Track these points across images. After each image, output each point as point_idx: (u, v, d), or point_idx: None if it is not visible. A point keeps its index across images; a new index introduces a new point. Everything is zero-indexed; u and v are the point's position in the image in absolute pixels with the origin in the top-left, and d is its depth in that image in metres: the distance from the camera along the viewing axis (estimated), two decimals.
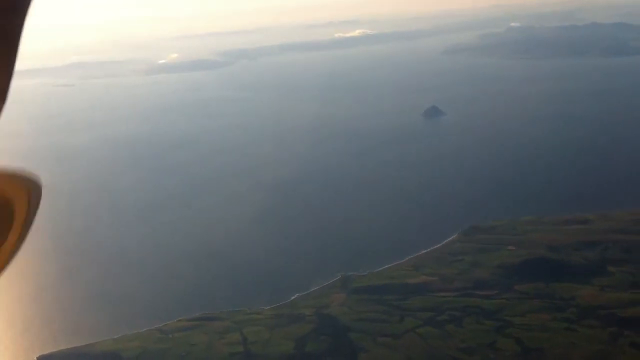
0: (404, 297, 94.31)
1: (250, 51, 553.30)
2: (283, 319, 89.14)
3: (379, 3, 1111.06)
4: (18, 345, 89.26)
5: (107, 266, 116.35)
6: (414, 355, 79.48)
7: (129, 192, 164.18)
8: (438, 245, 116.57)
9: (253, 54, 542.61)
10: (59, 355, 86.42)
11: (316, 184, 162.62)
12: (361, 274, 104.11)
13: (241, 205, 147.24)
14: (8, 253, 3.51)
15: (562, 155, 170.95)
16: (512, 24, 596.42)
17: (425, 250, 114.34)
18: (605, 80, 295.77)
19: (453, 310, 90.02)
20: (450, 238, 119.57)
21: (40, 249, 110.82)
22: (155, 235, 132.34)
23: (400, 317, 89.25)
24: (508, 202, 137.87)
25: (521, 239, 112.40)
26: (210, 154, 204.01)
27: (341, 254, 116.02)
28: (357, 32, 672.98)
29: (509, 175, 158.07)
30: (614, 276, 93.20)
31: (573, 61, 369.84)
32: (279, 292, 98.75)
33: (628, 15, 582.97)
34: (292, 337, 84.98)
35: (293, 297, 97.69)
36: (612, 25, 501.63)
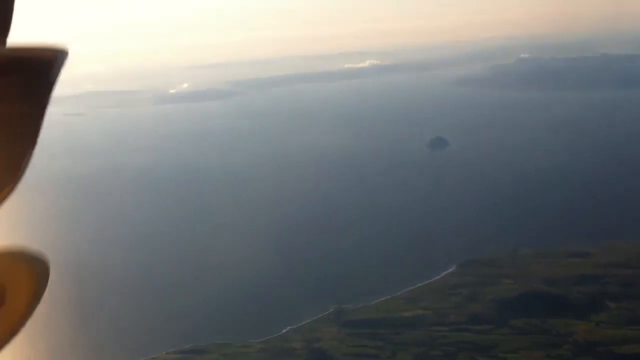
0: (398, 331, 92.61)
1: (261, 81, 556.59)
2: (272, 353, 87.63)
3: (389, 34, 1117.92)
4: None
5: (96, 293, 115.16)
6: None
7: (129, 221, 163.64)
8: (436, 278, 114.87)
9: (264, 84, 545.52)
10: None
11: (316, 214, 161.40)
12: (355, 307, 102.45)
13: (238, 236, 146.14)
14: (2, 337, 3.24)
15: (567, 188, 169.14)
16: (522, 55, 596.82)
17: (423, 283, 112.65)
18: (614, 111, 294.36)
19: (447, 345, 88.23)
20: (449, 270, 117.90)
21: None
22: (149, 264, 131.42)
23: (392, 351, 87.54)
24: (509, 234, 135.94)
25: (520, 272, 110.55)
26: (215, 185, 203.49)
27: (335, 285, 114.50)
28: (367, 63, 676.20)
29: (512, 206, 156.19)
30: (612, 312, 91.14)
31: (583, 93, 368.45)
32: (271, 325, 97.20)
33: (639, 47, 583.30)
34: None
35: (284, 330, 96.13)
36: (623, 56, 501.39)
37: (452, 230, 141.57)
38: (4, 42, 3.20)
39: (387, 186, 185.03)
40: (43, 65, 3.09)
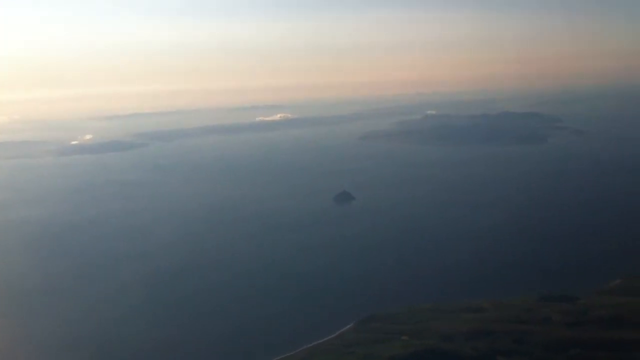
0: None
1: (167, 133, 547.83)
2: None
3: (302, 89, 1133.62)
4: None
5: None
6: None
7: (17, 276, 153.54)
8: (333, 336, 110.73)
9: (170, 135, 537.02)
10: None
11: (211, 269, 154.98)
12: None
13: (127, 291, 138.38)
14: None
15: (465, 241, 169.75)
16: (429, 112, 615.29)
17: (319, 341, 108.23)
18: (513, 166, 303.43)
19: None
20: (347, 327, 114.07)
21: None
22: (30, 322, 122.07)
23: None
24: (411, 288, 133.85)
25: (417, 328, 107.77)
26: (108, 237, 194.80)
27: (227, 344, 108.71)
28: (278, 116, 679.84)
29: (413, 260, 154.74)
30: None
31: (486, 148, 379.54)
32: None
33: (537, 105, 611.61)
34: None
35: None
36: (523, 114, 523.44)
37: (353, 286, 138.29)
38: None
39: (288, 240, 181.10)
40: None
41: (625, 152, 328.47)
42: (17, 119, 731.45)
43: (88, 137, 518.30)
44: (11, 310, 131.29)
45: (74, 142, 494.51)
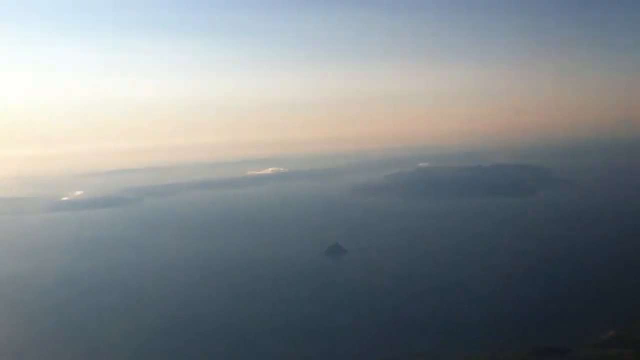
0: None
1: (159, 188, 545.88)
2: None
3: (294, 143, 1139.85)
4: None
5: None
6: None
7: None
8: None
9: (163, 191, 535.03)
10: None
11: (193, 327, 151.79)
12: None
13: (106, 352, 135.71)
14: None
15: (461, 295, 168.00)
16: (421, 164, 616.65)
17: None
18: (504, 219, 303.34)
19: None
20: None
21: None
22: None
23: None
24: (405, 343, 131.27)
25: None
26: (90, 294, 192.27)
27: None
28: (269, 170, 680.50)
29: (406, 314, 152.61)
30: None
31: (479, 200, 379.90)
32: None
33: (528, 157, 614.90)
34: None
35: None
36: (513, 166, 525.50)
37: (345, 337, 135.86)
38: None
39: (281, 296, 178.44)
40: None
41: (614, 201, 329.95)
42: (7, 175, 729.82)
43: (79, 193, 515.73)
44: None
45: (64, 198, 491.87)
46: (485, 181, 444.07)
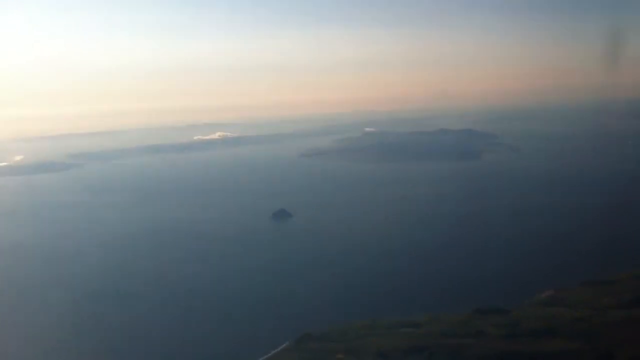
0: None
1: (103, 153, 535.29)
2: None
3: (242, 108, 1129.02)
4: None
5: None
6: None
7: None
8: (267, 356, 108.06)
9: (106, 156, 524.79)
10: None
11: (143, 292, 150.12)
12: None
13: (55, 316, 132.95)
14: None
15: (403, 258, 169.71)
16: (367, 129, 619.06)
17: None
18: (449, 182, 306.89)
19: None
20: (281, 347, 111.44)
21: None
22: None
23: None
24: (346, 305, 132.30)
25: (353, 346, 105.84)
26: (35, 262, 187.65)
27: None
28: (217, 135, 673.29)
29: (348, 278, 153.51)
30: None
31: (423, 165, 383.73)
32: None
33: (474, 123, 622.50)
34: None
35: None
36: (459, 131, 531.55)
37: (289, 303, 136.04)
38: None
39: (224, 258, 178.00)
40: None
41: (557, 167, 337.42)
42: None
43: (18, 158, 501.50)
44: None
45: (3, 164, 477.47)
46: (431, 146, 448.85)
